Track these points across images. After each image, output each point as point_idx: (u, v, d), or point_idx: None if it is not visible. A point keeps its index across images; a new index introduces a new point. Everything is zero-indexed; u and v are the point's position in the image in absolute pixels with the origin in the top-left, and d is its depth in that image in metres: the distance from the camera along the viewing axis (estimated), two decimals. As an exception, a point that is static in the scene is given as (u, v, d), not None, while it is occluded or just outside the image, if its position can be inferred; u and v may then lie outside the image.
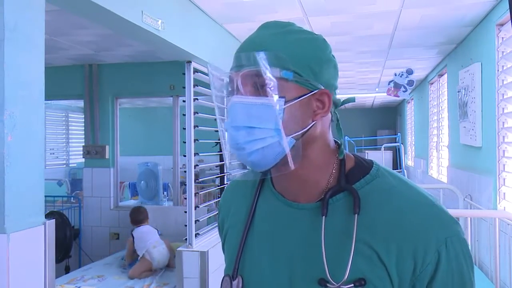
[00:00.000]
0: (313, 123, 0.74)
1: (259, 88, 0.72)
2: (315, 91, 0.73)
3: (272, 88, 0.71)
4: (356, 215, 0.72)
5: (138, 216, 4.02)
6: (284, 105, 0.71)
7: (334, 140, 0.82)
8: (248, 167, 0.79)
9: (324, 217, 0.74)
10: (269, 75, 0.70)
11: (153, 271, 3.77)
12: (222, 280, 0.82)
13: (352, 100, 0.82)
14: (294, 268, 0.75)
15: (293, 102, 0.72)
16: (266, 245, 0.80)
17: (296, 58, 0.72)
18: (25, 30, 1.47)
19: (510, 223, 2.59)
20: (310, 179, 0.78)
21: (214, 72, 0.78)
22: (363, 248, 0.71)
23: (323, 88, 0.74)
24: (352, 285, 0.70)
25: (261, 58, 0.70)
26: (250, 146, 0.72)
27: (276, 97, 0.71)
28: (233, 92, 0.75)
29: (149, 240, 3.82)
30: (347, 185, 0.76)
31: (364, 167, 0.79)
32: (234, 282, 0.79)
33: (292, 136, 0.72)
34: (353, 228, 0.72)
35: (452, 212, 3.36)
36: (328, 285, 0.71)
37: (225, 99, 0.80)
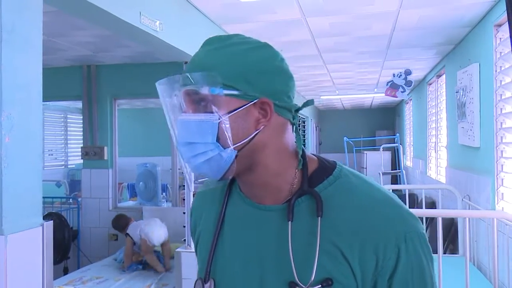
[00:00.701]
0: (256, 131, 0.76)
1: (197, 105, 0.75)
2: (254, 101, 0.75)
3: (206, 105, 0.74)
4: (319, 217, 0.75)
5: (121, 222, 4.07)
6: (219, 119, 0.74)
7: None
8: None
9: (290, 222, 0.76)
10: (200, 92, 0.74)
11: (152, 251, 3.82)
12: (195, 283, 0.84)
13: (311, 103, 0.84)
14: (265, 271, 0.77)
15: (228, 115, 0.74)
16: (237, 248, 0.82)
17: (229, 72, 0.74)
18: (23, 31, 1.47)
19: (508, 224, 2.59)
20: (272, 184, 0.80)
21: (163, 93, 0.81)
22: (328, 247, 0.74)
23: (262, 97, 0.75)
24: (320, 286, 0.72)
25: (191, 77, 0.74)
26: (194, 160, 0.76)
27: (210, 113, 0.74)
28: (182, 108, 0.78)
29: (142, 224, 3.85)
30: (309, 189, 0.78)
31: (327, 168, 0.81)
32: (206, 285, 0.81)
33: (233, 146, 0.74)
34: (316, 230, 0.74)
35: (450, 212, 3.37)
36: (297, 287, 0.73)
37: (171, 117, 0.83)
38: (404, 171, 8.12)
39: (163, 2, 2.49)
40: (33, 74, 1.52)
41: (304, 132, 9.34)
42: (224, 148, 0.74)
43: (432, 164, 5.97)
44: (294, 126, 0.82)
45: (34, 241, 1.50)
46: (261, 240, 0.79)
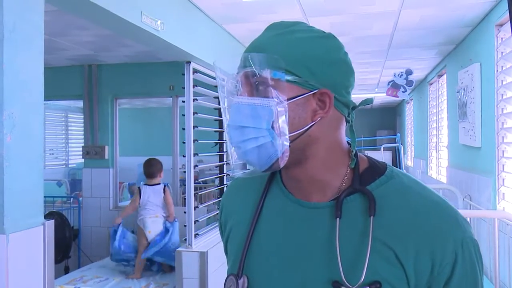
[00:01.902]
0: (313, 123, 0.73)
1: (255, 89, 0.73)
2: (314, 91, 0.73)
3: (265, 89, 0.71)
4: (371, 216, 0.72)
5: (148, 169, 3.87)
6: (277, 105, 0.71)
7: (348, 142, 0.81)
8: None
9: (338, 218, 0.73)
10: (261, 76, 0.71)
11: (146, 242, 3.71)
12: (226, 279, 0.80)
13: (370, 101, 0.82)
14: (306, 270, 0.74)
15: (287, 102, 0.71)
16: (274, 245, 0.78)
17: (292, 58, 0.72)
18: (24, 31, 1.47)
19: (510, 223, 2.59)
20: (321, 179, 0.77)
21: (219, 74, 0.79)
22: (380, 247, 0.71)
23: (323, 88, 0.73)
24: (368, 287, 0.69)
25: (254, 59, 0.72)
26: (244, 145, 0.72)
27: (269, 98, 0.71)
28: (237, 91, 0.76)
29: (150, 211, 3.74)
30: (361, 187, 0.75)
31: (378, 169, 0.79)
32: (240, 281, 0.78)
33: (288, 135, 0.72)
34: (369, 230, 0.71)
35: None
36: (342, 287, 0.70)
37: (225, 100, 0.81)
38: (405, 171, 8.11)
39: (164, 1, 2.49)
40: (34, 73, 1.52)
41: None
42: (277, 136, 0.71)
43: (433, 164, 5.96)
44: (351, 124, 0.80)
45: (36, 240, 1.50)
46: (303, 237, 0.76)
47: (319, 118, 0.74)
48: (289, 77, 0.71)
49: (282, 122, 0.71)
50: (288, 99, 0.71)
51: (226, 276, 0.82)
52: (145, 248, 3.68)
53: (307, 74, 0.72)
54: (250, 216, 0.83)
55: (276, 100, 0.71)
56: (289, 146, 0.72)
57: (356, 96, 8.54)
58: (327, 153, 0.76)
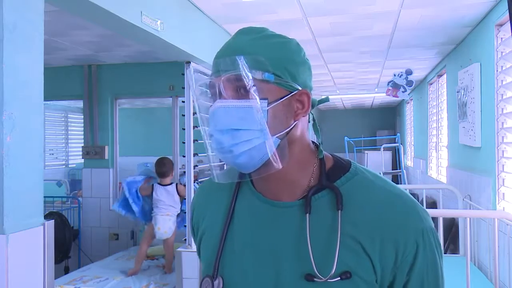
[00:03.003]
0: (295, 123, 0.77)
1: (241, 91, 0.74)
2: (295, 92, 0.76)
3: (255, 91, 0.73)
4: (339, 211, 0.75)
5: (161, 168, 3.90)
6: (268, 106, 0.74)
7: (312, 141, 0.85)
8: (219, 169, 0.82)
9: (308, 214, 0.76)
10: (251, 77, 0.73)
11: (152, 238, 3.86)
12: (202, 281, 0.82)
13: (326, 100, 0.86)
14: (280, 266, 0.77)
15: (276, 103, 0.74)
16: (247, 245, 0.80)
17: (274, 61, 0.75)
18: (24, 31, 1.47)
19: (509, 224, 2.59)
20: (291, 178, 0.80)
21: (195, 78, 0.82)
22: (348, 241, 0.74)
23: (301, 88, 0.77)
24: (339, 278, 0.73)
25: (242, 62, 0.73)
26: (237, 148, 0.73)
27: (259, 99, 0.73)
28: (215, 97, 0.77)
29: (161, 210, 3.81)
30: (329, 183, 0.79)
31: (343, 166, 0.82)
32: (215, 283, 0.80)
33: (277, 136, 0.75)
34: (337, 224, 0.75)
35: (451, 212, 3.36)
36: (315, 279, 0.73)
37: (198, 106, 0.82)
38: (404, 171, 8.11)
39: (164, 1, 2.49)
40: (34, 73, 1.52)
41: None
42: (269, 137, 0.73)
43: (433, 164, 5.96)
44: (315, 122, 0.84)
45: (35, 241, 1.50)
46: (275, 236, 0.78)
47: (301, 117, 0.78)
48: (276, 79, 0.75)
49: (273, 123, 0.74)
50: (276, 100, 0.75)
51: (200, 278, 0.84)
52: (149, 243, 3.85)
53: (287, 76, 0.76)
54: (223, 218, 0.85)
55: (266, 100, 0.74)
56: (278, 146, 0.75)
57: (356, 96, 8.54)
58: (300, 153, 0.80)
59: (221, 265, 0.81)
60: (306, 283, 0.74)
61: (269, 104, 0.74)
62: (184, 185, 3.67)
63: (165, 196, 3.83)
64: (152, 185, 3.93)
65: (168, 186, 3.87)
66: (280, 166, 0.75)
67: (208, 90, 0.80)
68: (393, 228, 0.74)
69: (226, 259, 0.81)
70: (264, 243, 0.79)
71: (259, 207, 0.82)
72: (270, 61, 0.74)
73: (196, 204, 0.95)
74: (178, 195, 3.85)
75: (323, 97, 0.87)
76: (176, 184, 3.90)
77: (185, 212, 3.73)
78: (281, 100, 0.75)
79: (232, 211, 0.84)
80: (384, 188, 0.78)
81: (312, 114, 0.83)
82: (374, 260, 0.74)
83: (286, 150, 0.76)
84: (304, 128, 0.81)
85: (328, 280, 0.72)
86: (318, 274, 0.73)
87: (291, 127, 0.76)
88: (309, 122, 0.83)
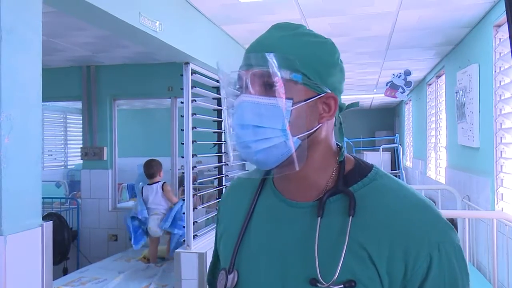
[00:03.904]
0: (319, 125, 0.76)
1: (268, 88, 0.73)
2: (322, 95, 0.75)
3: (281, 89, 0.72)
4: (350, 217, 0.73)
5: (148, 170, 4.08)
6: (292, 106, 0.72)
7: (336, 143, 0.83)
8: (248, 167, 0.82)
9: (319, 218, 0.75)
10: (279, 76, 0.72)
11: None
12: (219, 274, 0.83)
13: (356, 105, 0.85)
14: (287, 267, 0.76)
15: (300, 104, 0.73)
16: (263, 242, 0.81)
17: (305, 61, 0.73)
18: (22, 32, 1.46)
19: (508, 224, 2.59)
20: (310, 179, 0.79)
21: (224, 70, 0.80)
22: (355, 248, 0.72)
23: (330, 91, 0.75)
24: (342, 286, 0.70)
25: (272, 59, 0.72)
26: (256, 145, 0.73)
27: (284, 98, 0.72)
28: (241, 90, 0.76)
29: (150, 210, 3.98)
30: (344, 188, 0.77)
31: (363, 170, 0.80)
32: (230, 276, 0.80)
33: (298, 137, 0.73)
34: (346, 229, 0.72)
35: (450, 213, 3.37)
36: (318, 284, 0.71)
37: (225, 99, 0.82)
38: (403, 172, 8.11)
39: (163, 2, 2.48)
40: (32, 74, 1.52)
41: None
42: (290, 137, 0.72)
43: (432, 165, 5.97)
44: (341, 125, 0.83)
45: (34, 242, 1.50)
46: (287, 235, 0.78)
47: (325, 121, 0.76)
48: (305, 80, 0.73)
49: (296, 123, 0.73)
50: (303, 100, 0.73)
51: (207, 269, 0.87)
52: (157, 243, 4.04)
53: (316, 78, 0.74)
54: (244, 215, 0.86)
55: (291, 100, 0.72)
56: (299, 147, 0.74)
57: (355, 97, 8.54)
58: (322, 155, 0.79)
59: (237, 259, 0.82)
60: (310, 287, 0.72)
61: (293, 104, 0.72)
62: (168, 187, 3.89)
63: (152, 195, 3.99)
64: (142, 187, 4.09)
65: (153, 184, 4.03)
66: (297, 168, 0.74)
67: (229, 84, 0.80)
68: (404, 239, 0.70)
69: (243, 254, 0.82)
70: (277, 242, 0.79)
71: (277, 206, 0.82)
72: (300, 60, 0.73)
73: (224, 199, 0.97)
74: (164, 195, 4.01)
75: (353, 101, 0.86)
76: (163, 184, 4.05)
77: (176, 215, 3.91)
78: (307, 101, 0.73)
79: (253, 209, 0.85)
80: (402, 197, 0.75)
81: (340, 117, 0.82)
82: (381, 270, 0.70)
83: (305, 152, 0.75)
84: (329, 131, 0.79)
85: (331, 286, 0.70)
86: (321, 279, 0.71)
87: (314, 130, 0.75)
88: (335, 125, 0.82)
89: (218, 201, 3.25)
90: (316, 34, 0.79)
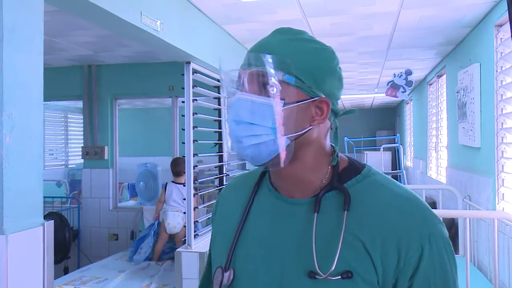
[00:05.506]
0: (310, 127, 0.79)
1: (262, 88, 0.77)
2: (315, 98, 0.78)
3: (273, 90, 0.76)
4: (345, 211, 0.77)
5: (175, 167, 4.17)
6: (283, 106, 0.76)
7: (331, 144, 0.87)
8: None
9: (316, 213, 0.78)
10: (273, 77, 0.76)
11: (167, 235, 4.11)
12: (215, 271, 0.85)
13: (352, 112, 0.88)
14: (286, 261, 0.79)
15: (292, 105, 0.76)
16: (259, 239, 0.83)
17: (301, 65, 0.77)
18: (24, 31, 1.47)
19: (509, 224, 2.59)
20: (304, 178, 0.82)
21: (224, 68, 0.84)
22: (350, 239, 0.75)
23: (323, 96, 0.78)
24: (340, 277, 0.73)
25: (267, 60, 0.76)
26: (247, 140, 0.77)
27: (276, 99, 0.76)
28: (240, 88, 0.80)
29: (171, 206, 4.08)
30: (339, 184, 0.81)
31: (356, 168, 0.84)
32: (226, 274, 0.82)
33: (287, 136, 0.76)
34: (342, 223, 0.76)
35: (451, 213, 3.36)
36: (316, 277, 0.74)
37: (225, 98, 0.85)
38: (404, 171, 8.11)
39: (164, 2, 2.48)
40: (34, 73, 1.52)
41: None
42: (279, 136, 0.76)
43: (433, 164, 5.97)
44: (335, 130, 0.86)
45: (35, 241, 1.50)
46: (284, 231, 0.81)
47: (316, 123, 0.79)
48: (298, 83, 0.76)
49: (286, 123, 0.76)
50: (293, 102, 0.76)
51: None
52: (165, 239, 4.10)
53: (311, 82, 0.78)
54: (240, 213, 0.88)
55: (282, 101, 0.76)
56: (287, 146, 0.77)
57: (356, 97, 8.54)
58: (314, 156, 0.82)
59: (233, 257, 0.84)
60: (308, 280, 0.75)
61: (285, 105, 0.76)
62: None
63: (176, 194, 4.08)
64: (166, 183, 4.18)
65: (180, 185, 4.10)
66: (282, 165, 0.77)
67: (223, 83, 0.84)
68: (397, 230, 0.74)
69: (239, 252, 0.84)
70: (274, 238, 0.81)
71: (273, 203, 0.85)
72: (296, 64, 0.76)
73: (223, 195, 0.99)
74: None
75: (351, 108, 0.90)
76: None
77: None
78: (298, 103, 0.77)
79: (250, 206, 0.87)
80: (394, 191, 0.79)
81: (336, 122, 0.85)
82: (375, 260, 0.74)
83: (294, 151, 0.78)
84: (322, 133, 0.82)
85: (330, 278, 0.73)
86: (319, 271, 0.74)
87: (304, 131, 0.78)
88: (331, 129, 0.85)
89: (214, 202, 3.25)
90: (317, 41, 0.82)
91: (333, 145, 0.86)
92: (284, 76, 0.76)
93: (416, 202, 0.78)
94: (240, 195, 0.91)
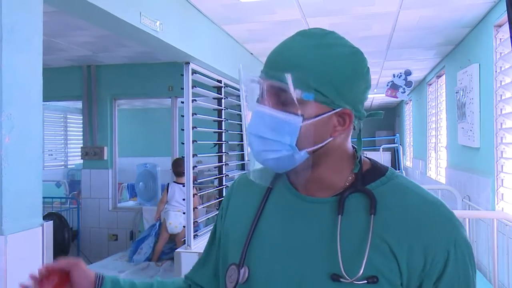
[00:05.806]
0: (331, 139, 0.76)
1: (280, 102, 0.74)
2: (337, 110, 0.75)
3: (292, 106, 0.73)
4: (372, 215, 0.75)
5: (176, 168, 4.19)
6: (302, 122, 0.73)
7: (352, 146, 0.84)
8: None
9: (340, 215, 0.76)
10: (291, 93, 0.72)
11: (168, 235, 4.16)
12: (227, 269, 0.83)
13: (379, 115, 0.85)
14: (306, 262, 0.76)
15: (311, 121, 0.74)
16: (276, 237, 0.80)
17: (323, 77, 0.73)
18: (23, 31, 1.47)
19: (508, 224, 2.59)
20: (326, 180, 0.81)
21: (245, 74, 0.83)
22: (377, 242, 0.73)
23: (346, 107, 0.75)
24: (366, 281, 0.71)
25: (286, 77, 0.72)
26: (264, 154, 0.77)
27: (295, 115, 0.73)
28: (259, 98, 0.78)
29: (173, 206, 4.12)
30: (363, 187, 0.79)
31: (379, 170, 0.83)
32: (241, 271, 0.80)
33: (306, 150, 0.75)
34: (369, 227, 0.74)
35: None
36: (341, 280, 0.72)
37: (244, 102, 0.84)
38: (404, 172, 8.11)
39: (163, 2, 2.48)
40: (33, 74, 1.52)
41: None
42: (298, 151, 0.74)
43: (432, 165, 5.97)
44: (360, 133, 0.83)
45: (34, 241, 1.50)
46: (304, 231, 0.79)
47: (338, 134, 0.77)
48: (318, 98, 0.73)
49: (305, 138, 0.74)
50: (314, 117, 0.74)
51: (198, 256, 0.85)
52: (165, 239, 4.12)
53: (334, 94, 0.74)
54: (254, 210, 0.85)
55: (301, 117, 0.73)
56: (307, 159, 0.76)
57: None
58: (337, 160, 0.80)
59: (248, 254, 0.81)
60: (331, 283, 0.73)
61: (304, 120, 0.73)
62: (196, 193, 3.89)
63: (178, 194, 4.11)
64: (168, 184, 4.21)
65: (182, 185, 4.06)
66: (304, 176, 0.78)
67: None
68: (424, 234, 0.73)
69: (254, 249, 0.81)
70: (293, 237, 0.79)
71: (292, 201, 0.83)
72: (318, 76, 0.73)
73: (234, 189, 0.96)
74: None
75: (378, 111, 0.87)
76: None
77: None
78: (318, 117, 0.74)
79: (265, 203, 0.85)
80: (420, 195, 0.78)
81: (361, 124, 0.82)
82: (401, 263, 0.72)
83: (315, 158, 0.77)
84: (345, 140, 0.80)
85: (355, 282, 0.71)
86: (345, 275, 0.72)
87: (325, 143, 0.76)
88: (354, 129, 0.82)
89: (221, 199, 3.25)
90: (344, 43, 0.78)
91: (355, 146, 0.84)
92: (302, 94, 0.72)
93: (441, 206, 0.77)
94: (254, 190, 0.88)
